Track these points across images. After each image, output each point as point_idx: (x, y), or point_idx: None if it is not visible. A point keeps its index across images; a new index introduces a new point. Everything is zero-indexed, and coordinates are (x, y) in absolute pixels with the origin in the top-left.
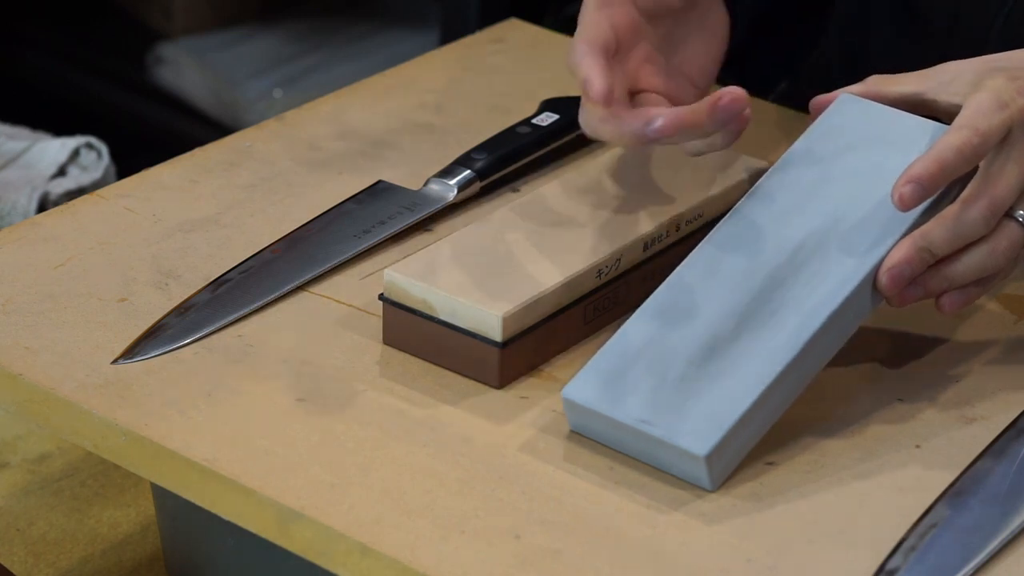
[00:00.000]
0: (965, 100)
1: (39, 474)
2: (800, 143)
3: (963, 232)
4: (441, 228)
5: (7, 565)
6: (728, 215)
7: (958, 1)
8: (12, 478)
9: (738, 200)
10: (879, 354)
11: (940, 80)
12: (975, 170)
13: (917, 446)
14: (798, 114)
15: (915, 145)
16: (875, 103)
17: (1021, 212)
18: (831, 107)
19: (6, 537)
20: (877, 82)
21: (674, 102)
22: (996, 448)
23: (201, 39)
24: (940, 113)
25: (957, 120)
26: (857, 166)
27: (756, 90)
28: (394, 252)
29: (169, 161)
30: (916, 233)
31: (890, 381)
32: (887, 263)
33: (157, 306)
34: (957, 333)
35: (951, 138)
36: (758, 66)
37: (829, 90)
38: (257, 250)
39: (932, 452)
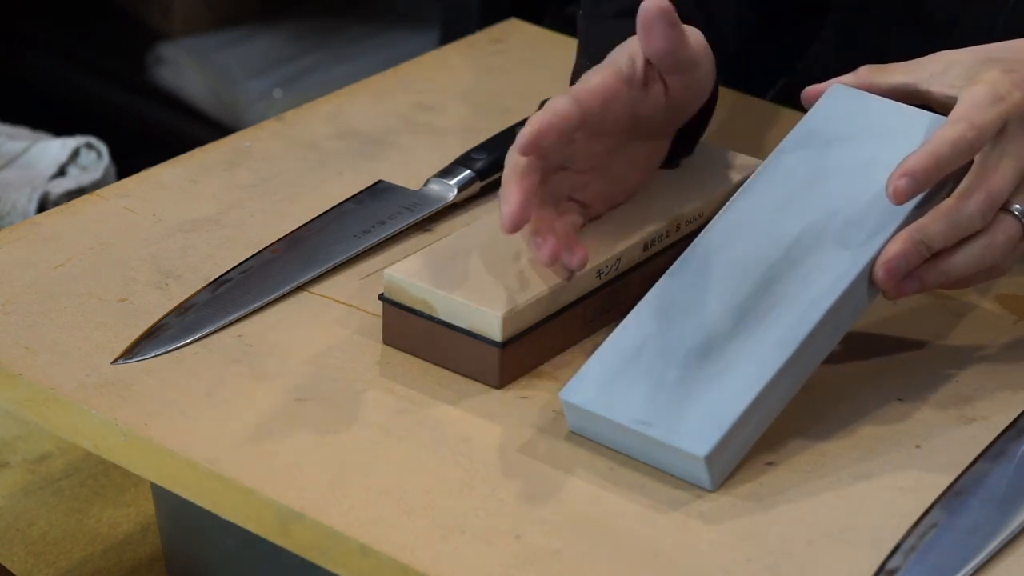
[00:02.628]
0: (960, 92)
1: (39, 474)
2: (792, 135)
3: (960, 225)
4: (441, 228)
5: (7, 565)
6: (721, 211)
7: None
8: (12, 478)
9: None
10: (879, 354)
11: (933, 70)
12: (971, 163)
13: (917, 446)
14: (797, 113)
15: (908, 136)
16: (867, 93)
17: (1017, 206)
18: (823, 98)
19: (6, 537)
20: (869, 72)
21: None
22: (996, 448)
23: (201, 39)
24: (933, 103)
25: (953, 113)
26: (850, 158)
27: (754, 90)
28: (394, 252)
29: (169, 161)
30: (913, 226)
31: (890, 381)
32: (883, 256)
33: (157, 306)
34: (957, 333)
35: (946, 131)
36: (755, 66)
37: None
38: (257, 250)
39: (932, 452)
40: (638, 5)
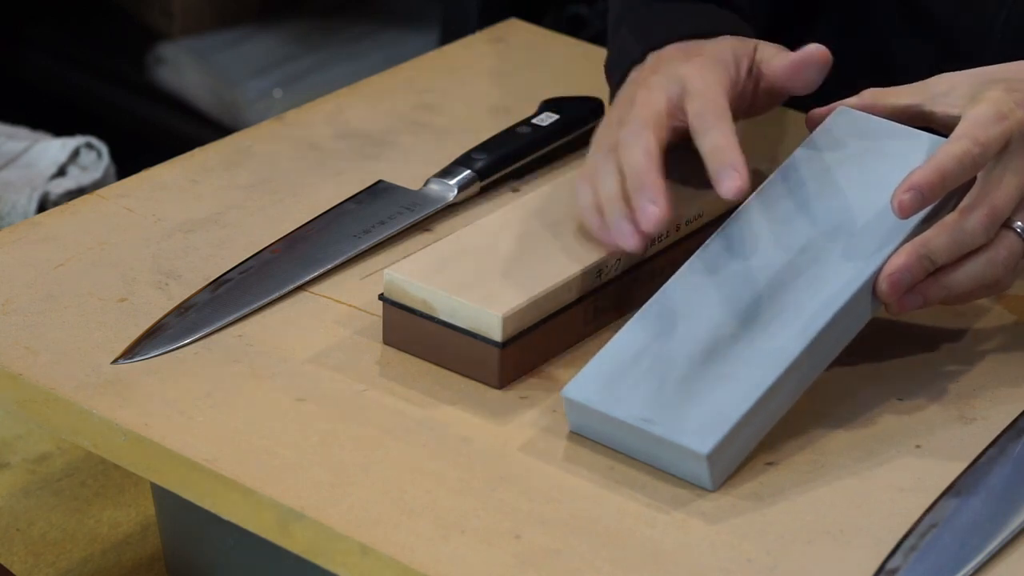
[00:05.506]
0: (963, 111)
1: (39, 474)
2: (796, 155)
3: (963, 240)
4: (441, 228)
5: (7, 565)
6: (728, 220)
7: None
8: (12, 478)
9: (738, 201)
10: (879, 354)
11: (936, 92)
12: (972, 181)
13: (917, 446)
14: (795, 113)
15: (912, 156)
16: (871, 116)
17: (1019, 223)
18: (828, 120)
19: (6, 537)
20: (873, 95)
21: None
22: (996, 447)
23: (201, 39)
24: (936, 125)
25: (957, 130)
26: (855, 177)
27: None
28: (394, 252)
29: (169, 161)
30: (916, 240)
31: (890, 380)
32: (887, 269)
33: (157, 306)
34: (957, 333)
35: (951, 148)
36: None
37: (823, 93)
38: (257, 250)
39: (932, 452)
40: None
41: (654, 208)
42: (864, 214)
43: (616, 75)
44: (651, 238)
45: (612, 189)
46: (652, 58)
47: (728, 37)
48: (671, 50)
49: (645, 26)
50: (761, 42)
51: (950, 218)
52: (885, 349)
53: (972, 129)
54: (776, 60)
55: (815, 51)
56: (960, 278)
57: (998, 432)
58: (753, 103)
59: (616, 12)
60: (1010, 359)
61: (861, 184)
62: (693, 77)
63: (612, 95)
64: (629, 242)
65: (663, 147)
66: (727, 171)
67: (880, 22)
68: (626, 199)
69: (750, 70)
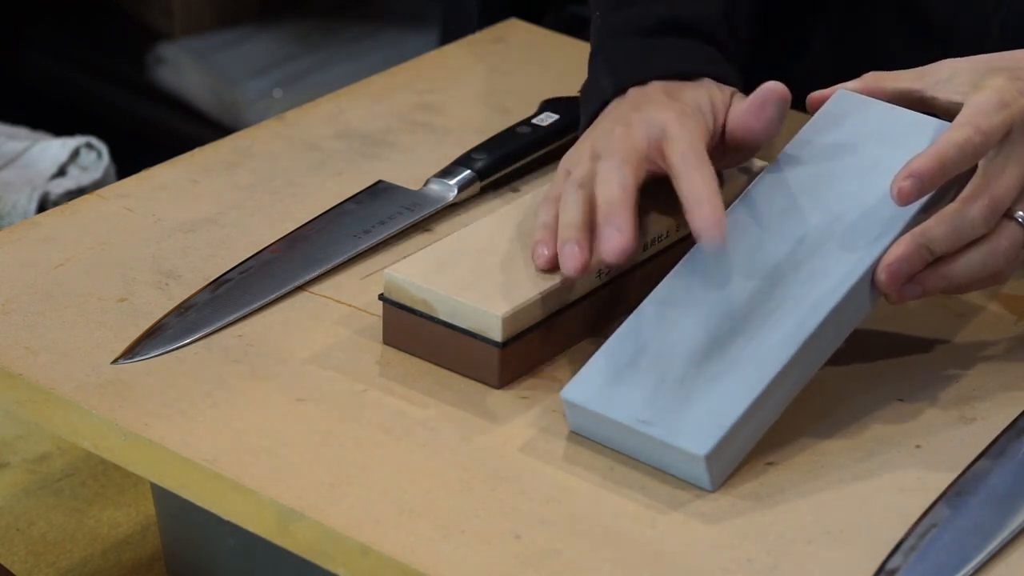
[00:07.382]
0: (965, 98)
1: (39, 474)
2: (796, 140)
3: (963, 230)
4: (441, 228)
5: (7, 565)
6: (725, 213)
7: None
8: (12, 478)
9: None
10: (879, 354)
11: (938, 77)
12: (973, 169)
13: (917, 446)
14: (797, 113)
15: (912, 141)
16: (872, 99)
17: (1021, 213)
18: (828, 103)
19: (6, 537)
20: (874, 78)
21: None
22: (996, 448)
23: (201, 39)
24: (937, 110)
25: (959, 118)
26: (855, 162)
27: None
28: (394, 252)
29: (169, 161)
30: (916, 230)
31: (890, 381)
32: (886, 259)
33: (157, 306)
34: (957, 333)
35: (952, 135)
36: (749, 69)
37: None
38: (257, 250)
39: (932, 452)
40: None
41: (619, 236)
42: (864, 202)
43: (591, 105)
44: (592, 268)
45: (576, 218)
46: (633, 93)
47: (709, 81)
48: (653, 88)
49: (623, 62)
50: (738, 93)
51: (950, 208)
52: (885, 350)
53: (974, 116)
54: (736, 109)
55: (773, 87)
56: (960, 268)
57: (998, 433)
58: (723, 155)
59: (597, 39)
60: (1010, 360)
61: (861, 169)
62: (673, 124)
63: (584, 122)
64: (569, 265)
65: (639, 185)
66: (702, 205)
67: (880, 22)
68: (586, 229)
69: (725, 121)
